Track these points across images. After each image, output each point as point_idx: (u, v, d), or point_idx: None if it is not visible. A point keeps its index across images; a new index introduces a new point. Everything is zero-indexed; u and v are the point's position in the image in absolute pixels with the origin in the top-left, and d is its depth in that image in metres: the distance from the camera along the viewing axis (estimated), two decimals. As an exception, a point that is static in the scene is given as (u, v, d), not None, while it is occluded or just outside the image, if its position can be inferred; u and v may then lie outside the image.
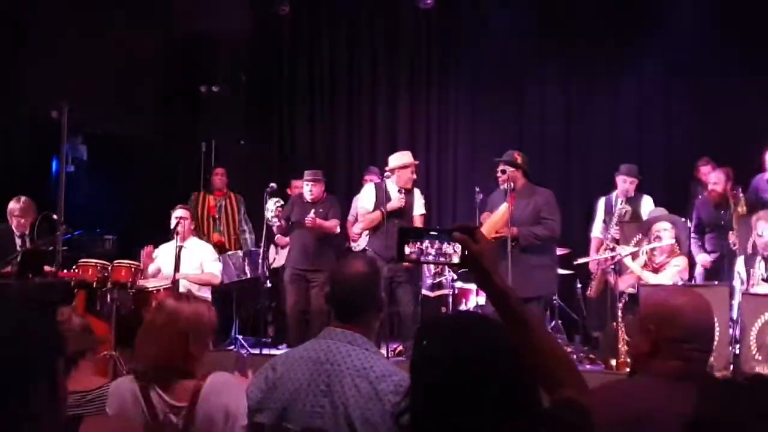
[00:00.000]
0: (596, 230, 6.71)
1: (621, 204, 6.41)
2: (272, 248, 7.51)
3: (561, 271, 6.88)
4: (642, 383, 1.87)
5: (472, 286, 6.94)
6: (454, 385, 1.27)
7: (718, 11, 7.86)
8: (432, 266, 7.41)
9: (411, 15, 8.67)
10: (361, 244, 7.35)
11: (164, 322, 2.34)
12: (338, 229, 6.72)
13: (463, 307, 7.00)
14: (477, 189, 6.44)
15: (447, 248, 1.50)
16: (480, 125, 8.79)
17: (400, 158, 6.41)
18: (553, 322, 6.87)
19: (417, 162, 6.47)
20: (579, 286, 6.94)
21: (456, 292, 7.16)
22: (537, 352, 1.44)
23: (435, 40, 8.86)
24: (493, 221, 5.52)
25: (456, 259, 1.49)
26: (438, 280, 7.32)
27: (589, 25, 8.32)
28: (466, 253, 1.46)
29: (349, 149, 8.97)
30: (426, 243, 1.52)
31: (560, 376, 1.45)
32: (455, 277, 7.28)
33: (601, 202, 6.76)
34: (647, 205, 6.53)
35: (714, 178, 6.37)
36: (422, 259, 1.55)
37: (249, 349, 6.34)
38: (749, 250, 5.65)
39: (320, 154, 8.87)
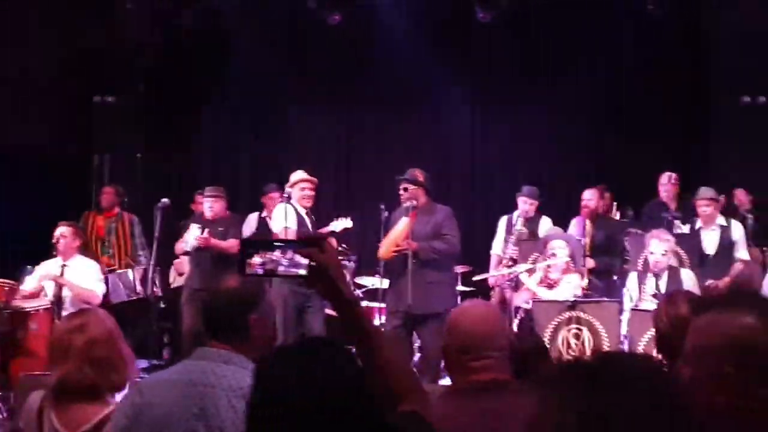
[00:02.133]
0: (496, 247, 6.85)
1: (520, 225, 6.58)
2: (172, 267, 7.23)
3: (463, 288, 6.94)
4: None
5: (378, 304, 6.89)
6: (298, 421, 1.18)
7: (616, 44, 8.24)
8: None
9: (318, 30, 8.61)
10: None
11: (61, 340, 2.25)
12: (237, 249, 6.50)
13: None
14: (382, 206, 6.41)
15: (299, 258, 1.44)
16: (387, 143, 8.83)
17: (293, 176, 6.26)
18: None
19: (309, 179, 6.16)
20: (480, 303, 6.99)
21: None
22: (381, 364, 1.41)
23: (342, 56, 8.84)
24: (394, 236, 5.51)
25: (304, 271, 1.44)
26: (342, 298, 7.21)
27: (495, 50, 8.54)
28: (313, 264, 1.42)
29: (254, 166, 8.79)
30: (276, 253, 1.45)
31: (403, 389, 1.42)
32: (361, 294, 7.22)
33: (503, 221, 6.92)
34: (546, 227, 6.70)
35: (587, 195, 6.56)
36: (277, 271, 1.46)
37: (140, 372, 6.03)
38: (640, 267, 5.84)
39: (224, 170, 8.65)
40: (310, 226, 6.07)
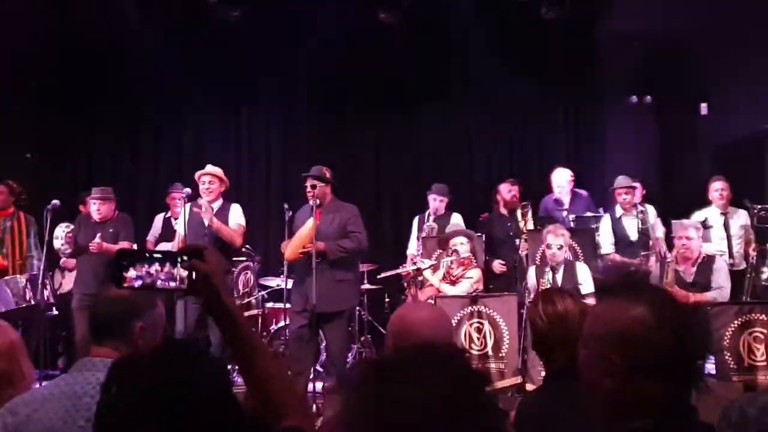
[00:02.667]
0: (411, 247, 6.94)
1: (431, 222, 6.67)
2: (57, 272, 6.89)
3: (370, 286, 6.98)
4: None
5: (283, 305, 6.81)
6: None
7: (514, 42, 8.50)
8: (240, 286, 7.18)
9: (219, 27, 8.41)
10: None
11: None
12: None
13: (273, 327, 6.83)
14: (286, 206, 6.34)
15: (178, 271, 1.39)
16: (292, 142, 8.75)
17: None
18: (363, 337, 6.91)
19: (207, 171, 6.03)
20: (387, 299, 7.05)
21: (266, 311, 6.99)
22: (263, 377, 1.38)
23: (245, 54, 8.69)
24: (300, 237, 5.43)
25: (183, 285, 1.40)
26: (246, 300, 7.10)
27: (399, 50, 8.60)
28: (195, 275, 1.38)
29: (154, 164, 8.49)
30: (155, 266, 1.39)
31: (286, 403, 1.40)
32: (265, 296, 7.12)
33: (416, 221, 7.03)
34: (455, 222, 6.82)
35: (506, 188, 6.96)
36: (155, 285, 1.40)
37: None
38: (538, 261, 6.04)
39: (122, 169, 8.32)
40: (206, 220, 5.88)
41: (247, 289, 7.21)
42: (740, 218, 6.36)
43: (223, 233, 5.78)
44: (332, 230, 5.50)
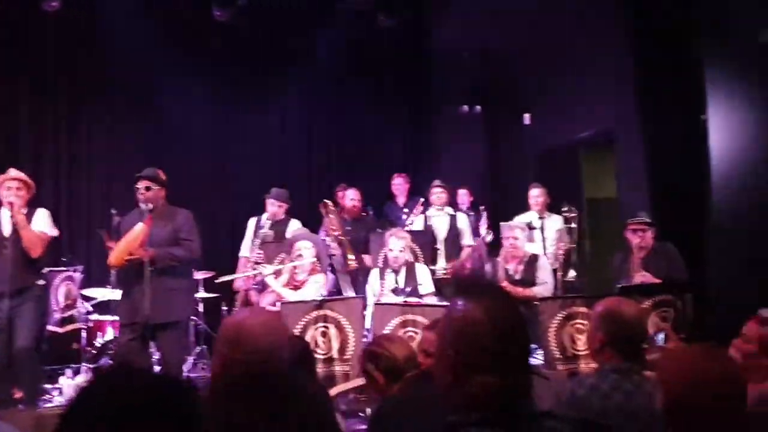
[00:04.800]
0: (244, 250, 6.68)
1: (266, 228, 6.47)
2: None
3: (206, 294, 6.69)
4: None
5: (110, 317, 6.34)
6: None
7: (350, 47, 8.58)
8: (61, 298, 6.59)
9: (36, 17, 7.71)
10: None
11: None
12: None
13: (99, 341, 6.32)
14: (114, 211, 5.92)
15: None
16: (117, 143, 8.20)
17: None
18: (199, 348, 6.61)
19: (17, 176, 5.24)
20: (224, 308, 6.79)
21: (91, 325, 6.46)
22: None
23: (64, 48, 8.02)
24: (127, 242, 5.02)
25: None
26: (68, 313, 6.52)
27: (233, 48, 8.38)
28: None
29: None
30: None
31: None
32: (90, 308, 6.58)
33: (251, 223, 6.76)
34: (294, 228, 6.69)
35: (353, 194, 7.06)
36: None
37: None
38: (381, 264, 6.11)
39: None
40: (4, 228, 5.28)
41: (69, 301, 6.61)
42: (556, 222, 6.78)
43: (25, 235, 5.12)
44: (163, 236, 5.14)
